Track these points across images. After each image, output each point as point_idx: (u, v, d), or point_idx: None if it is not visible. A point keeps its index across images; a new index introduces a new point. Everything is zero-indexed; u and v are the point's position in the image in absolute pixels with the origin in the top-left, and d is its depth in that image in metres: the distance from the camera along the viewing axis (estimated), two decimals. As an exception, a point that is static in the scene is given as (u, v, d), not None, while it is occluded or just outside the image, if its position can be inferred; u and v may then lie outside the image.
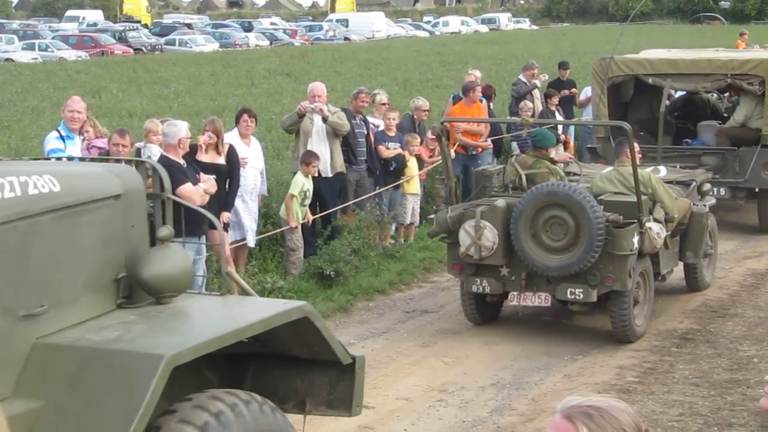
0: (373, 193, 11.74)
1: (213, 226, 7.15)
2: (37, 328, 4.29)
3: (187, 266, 4.91)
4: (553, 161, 9.87)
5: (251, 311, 5.00)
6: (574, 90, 16.89)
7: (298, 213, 10.52)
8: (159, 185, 5.13)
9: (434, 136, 10.45)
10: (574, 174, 10.18)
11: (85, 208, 4.56)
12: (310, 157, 10.65)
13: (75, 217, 4.51)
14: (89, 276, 4.60)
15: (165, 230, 4.86)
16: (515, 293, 9.03)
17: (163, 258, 4.76)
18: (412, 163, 12.25)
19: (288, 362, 5.18)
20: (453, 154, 13.02)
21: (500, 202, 8.96)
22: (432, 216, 9.49)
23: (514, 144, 14.71)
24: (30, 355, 4.24)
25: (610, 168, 9.78)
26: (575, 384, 8.07)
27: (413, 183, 12.31)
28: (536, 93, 15.87)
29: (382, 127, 12.29)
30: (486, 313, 9.55)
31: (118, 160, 5.76)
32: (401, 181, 12.10)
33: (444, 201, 9.56)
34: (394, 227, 12.32)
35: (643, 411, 7.44)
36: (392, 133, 12.21)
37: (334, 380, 5.15)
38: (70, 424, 4.13)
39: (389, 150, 12.02)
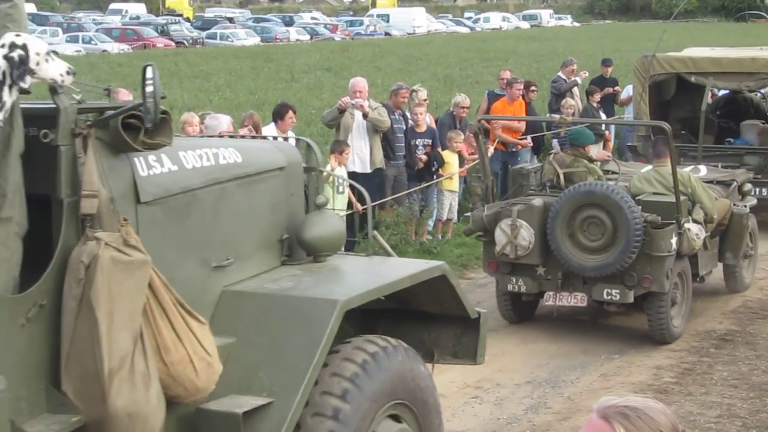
0: (411, 190, 11.74)
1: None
2: (224, 278, 4.98)
3: (341, 229, 5.59)
4: (591, 159, 9.78)
5: (398, 268, 5.66)
6: (617, 88, 16.79)
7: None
8: (315, 160, 5.80)
9: (471, 134, 10.45)
10: (613, 173, 10.10)
11: (259, 177, 5.22)
12: (339, 145, 10.66)
13: (252, 185, 5.17)
14: (262, 236, 5.26)
15: (322, 198, 5.57)
16: (551, 293, 8.98)
17: (321, 222, 5.42)
18: (452, 160, 12.22)
19: (415, 317, 5.73)
20: (492, 150, 13.02)
21: (537, 201, 8.93)
22: (468, 214, 9.49)
23: (555, 141, 14.64)
24: (220, 300, 4.93)
25: (648, 168, 9.69)
26: (612, 383, 8.03)
27: (453, 180, 12.29)
28: (576, 90, 15.79)
29: (416, 123, 12.28)
30: (521, 311, 9.51)
31: (284, 138, 6.56)
32: (441, 179, 12.07)
33: (480, 199, 9.59)
34: (431, 223, 12.31)
35: (680, 412, 7.39)
36: (421, 129, 12.12)
37: (459, 333, 5.75)
38: (260, 356, 4.77)
39: (423, 156, 11.92)
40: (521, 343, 9.02)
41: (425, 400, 5.32)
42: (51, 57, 4.05)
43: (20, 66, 3.96)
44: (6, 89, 3.98)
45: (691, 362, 8.52)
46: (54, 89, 4.19)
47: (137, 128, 4.34)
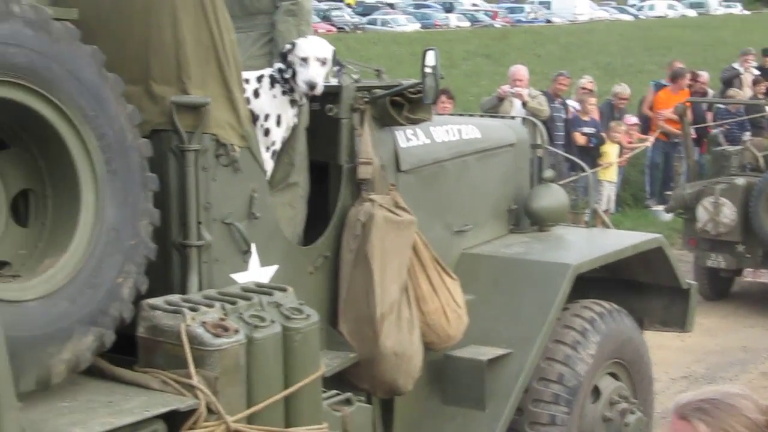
0: (570, 179, 11.64)
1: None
2: (463, 242, 5.45)
3: (566, 201, 5.95)
4: None
5: (620, 239, 6.01)
6: None
7: None
8: (540, 138, 6.18)
9: (677, 116, 10.86)
10: None
11: (494, 152, 5.66)
12: None
13: (488, 159, 5.60)
14: (494, 206, 5.71)
15: (549, 172, 5.92)
16: (750, 270, 9.41)
17: (548, 194, 5.82)
18: (611, 150, 12.08)
19: (622, 286, 5.97)
20: (653, 140, 12.87)
21: (740, 181, 9.29)
22: (669, 192, 9.99)
23: (719, 134, 14.27)
24: (459, 261, 5.37)
25: None
26: (772, 382, 7.83)
27: (611, 170, 12.16)
28: (746, 80, 15.33)
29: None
30: (718, 287, 9.86)
31: (512, 117, 7.15)
32: (599, 168, 11.95)
33: (684, 178, 9.97)
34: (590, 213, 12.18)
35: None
36: (587, 118, 12.09)
37: (667, 303, 6.02)
38: (498, 312, 5.20)
39: (583, 137, 11.92)
40: (677, 337, 8.84)
41: (640, 362, 5.66)
42: (306, 64, 4.39)
43: (285, 61, 4.43)
44: (292, 79, 4.41)
45: None
46: (338, 70, 4.68)
47: (401, 105, 4.86)
